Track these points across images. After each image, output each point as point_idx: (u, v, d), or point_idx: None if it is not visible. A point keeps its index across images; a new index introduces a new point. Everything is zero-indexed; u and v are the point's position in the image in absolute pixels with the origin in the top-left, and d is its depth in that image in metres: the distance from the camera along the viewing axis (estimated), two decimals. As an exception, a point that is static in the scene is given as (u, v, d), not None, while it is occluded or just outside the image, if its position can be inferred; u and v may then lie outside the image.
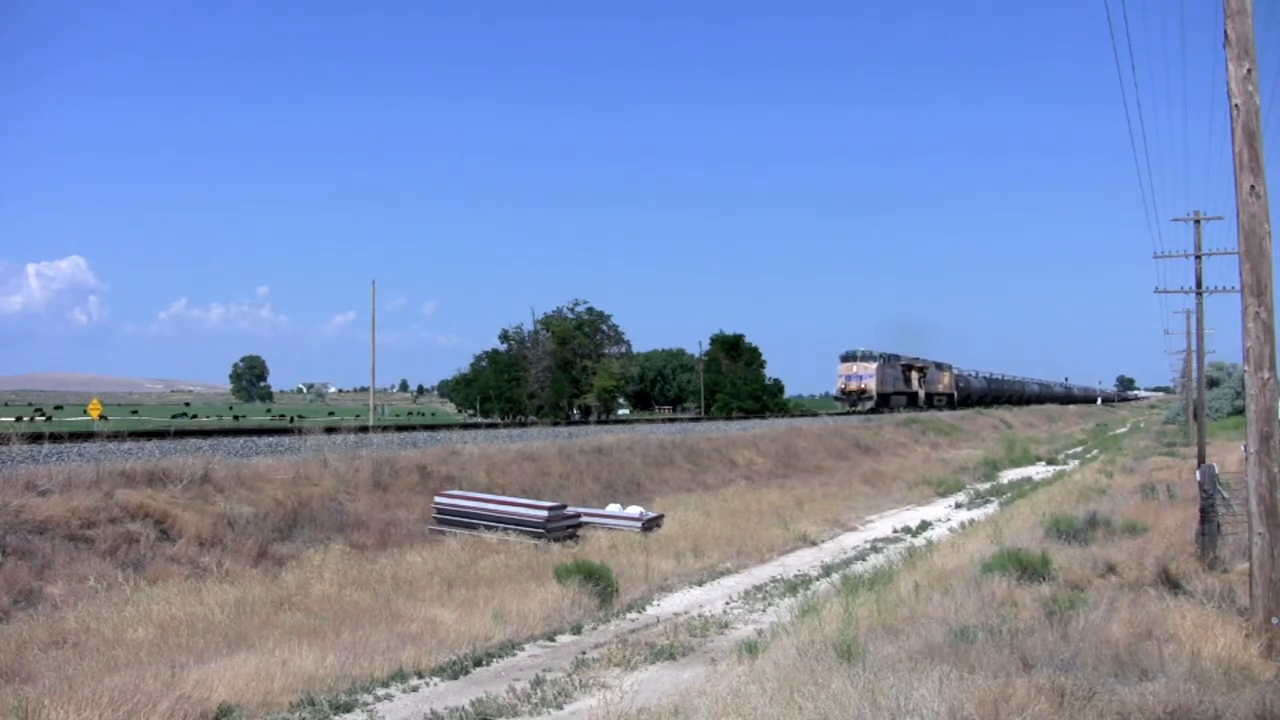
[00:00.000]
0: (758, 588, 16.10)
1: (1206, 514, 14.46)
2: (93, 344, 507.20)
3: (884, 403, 70.45)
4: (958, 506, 28.12)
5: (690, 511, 22.87)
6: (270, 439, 25.31)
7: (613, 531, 19.62)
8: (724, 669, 9.64)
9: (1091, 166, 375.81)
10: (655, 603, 14.87)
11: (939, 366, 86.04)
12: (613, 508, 21.55)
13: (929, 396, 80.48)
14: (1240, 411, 35.44)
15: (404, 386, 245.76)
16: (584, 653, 11.46)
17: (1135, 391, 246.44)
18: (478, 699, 9.54)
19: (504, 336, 68.58)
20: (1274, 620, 9.46)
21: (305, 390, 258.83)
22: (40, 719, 7.95)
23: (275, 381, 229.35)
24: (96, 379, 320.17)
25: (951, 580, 13.30)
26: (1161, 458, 40.49)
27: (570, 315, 65.45)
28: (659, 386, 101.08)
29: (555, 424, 46.16)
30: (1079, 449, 58.67)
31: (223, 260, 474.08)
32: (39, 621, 11.46)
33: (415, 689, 10.03)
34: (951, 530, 22.17)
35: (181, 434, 26.74)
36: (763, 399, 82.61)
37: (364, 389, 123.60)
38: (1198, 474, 15.73)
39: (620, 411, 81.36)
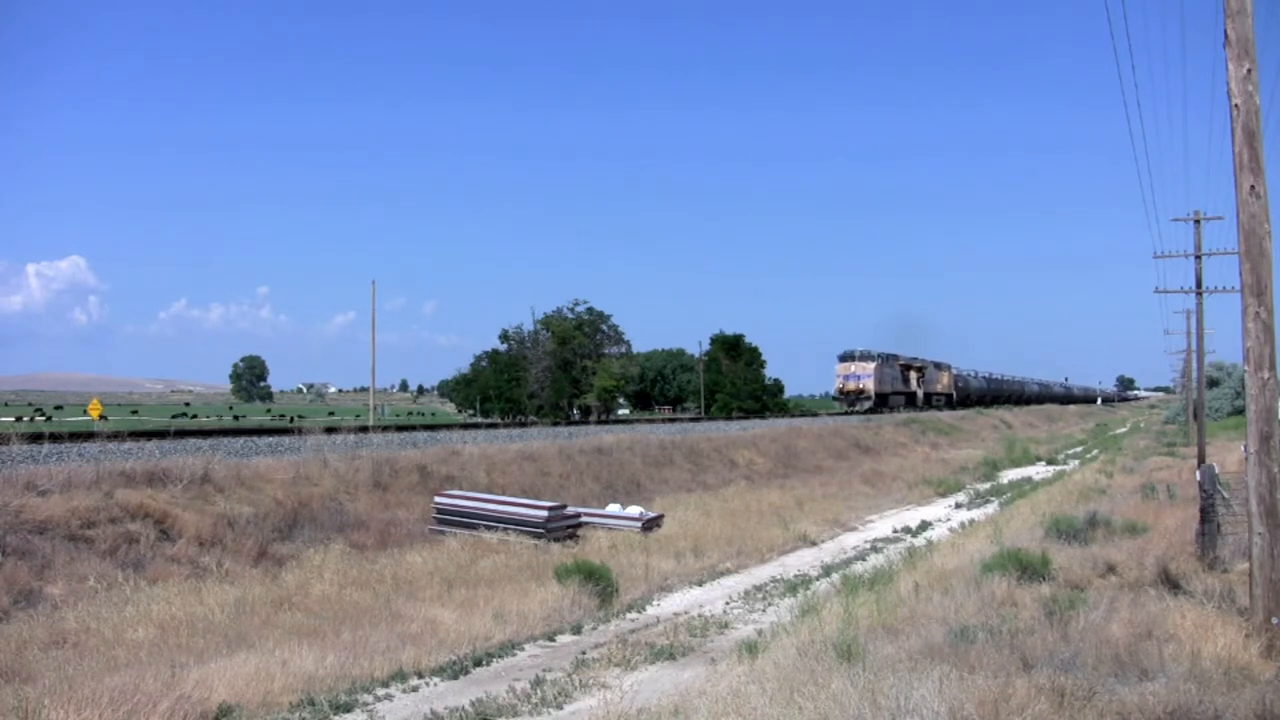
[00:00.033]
0: (758, 588, 16.11)
1: (1206, 514, 14.46)
2: (93, 344, 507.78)
3: (882, 403, 70.36)
4: (958, 506, 28.12)
5: (690, 511, 22.87)
6: (270, 439, 25.31)
7: (613, 531, 19.62)
8: (724, 669, 9.64)
9: (1091, 166, 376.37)
10: (655, 603, 14.87)
11: (938, 366, 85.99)
12: (613, 508, 21.55)
13: (928, 396, 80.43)
14: (1240, 411, 35.46)
15: (404, 386, 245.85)
16: (584, 653, 11.46)
17: (1135, 391, 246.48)
18: (478, 699, 9.54)
19: (504, 336, 68.66)
20: (1274, 620, 9.46)
21: (305, 390, 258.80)
22: (40, 719, 7.95)
23: (275, 381, 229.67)
24: (96, 379, 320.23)
25: (951, 580, 13.30)
26: (1161, 458, 40.50)
27: (570, 315, 65.48)
28: (659, 386, 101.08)
29: (555, 424, 46.16)
30: (1079, 449, 58.67)
31: (223, 260, 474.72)
32: (39, 621, 11.46)
33: (415, 689, 10.03)
34: (951, 530, 22.17)
35: (181, 434, 26.74)
36: (763, 399, 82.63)
37: (364, 389, 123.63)
38: (1198, 474, 15.73)
39: (620, 411, 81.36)
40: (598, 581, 14.54)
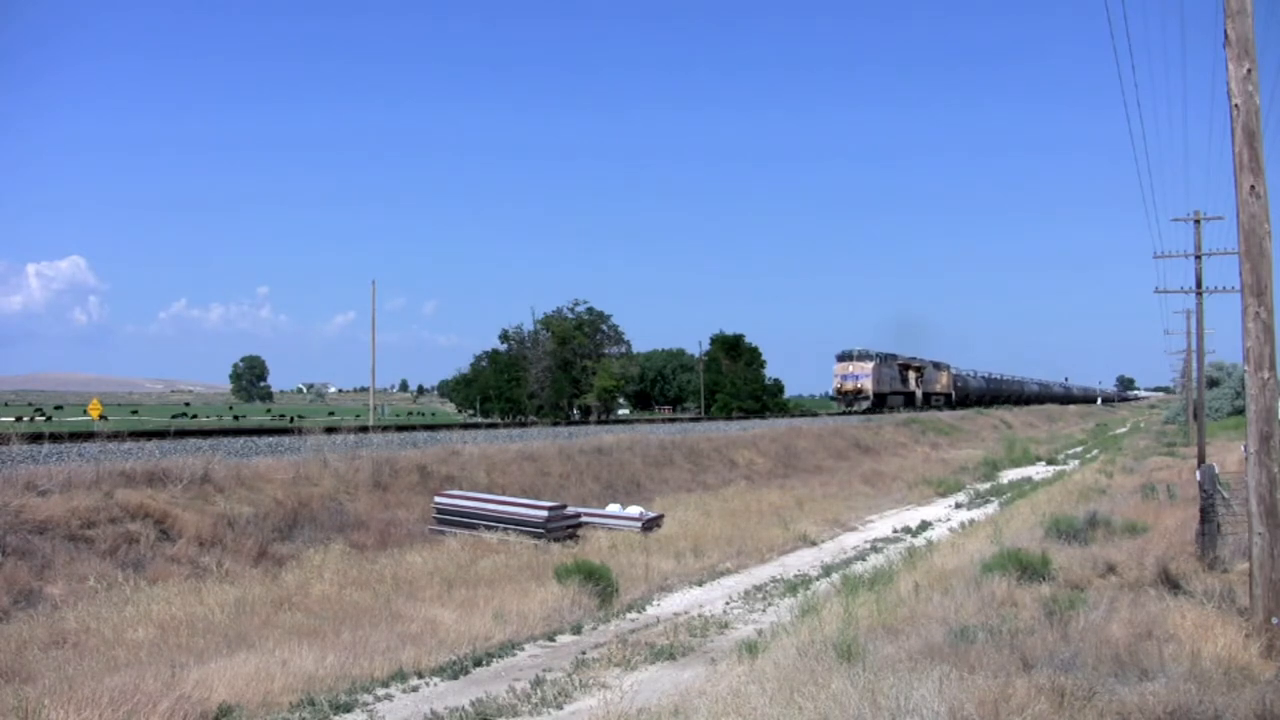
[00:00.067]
0: (758, 588, 16.11)
1: (1206, 514, 14.46)
2: (93, 344, 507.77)
3: (880, 403, 70.27)
4: (958, 506, 28.12)
5: (690, 511, 22.87)
6: (270, 439, 25.31)
7: (613, 531, 19.62)
8: (724, 669, 9.64)
9: (1091, 166, 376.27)
10: (655, 603, 14.87)
11: (936, 366, 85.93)
12: (613, 508, 21.55)
13: (926, 396, 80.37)
14: (1240, 411, 35.46)
15: (404, 386, 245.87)
16: (584, 653, 11.46)
17: (1135, 391, 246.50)
18: (478, 699, 9.54)
19: (504, 336, 68.68)
20: (1274, 620, 9.46)
21: (305, 390, 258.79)
22: (40, 719, 7.95)
23: (275, 381, 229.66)
24: (96, 379, 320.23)
25: (951, 580, 13.30)
26: (1161, 458, 40.50)
27: (570, 315, 65.48)
28: (659, 386, 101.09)
29: (555, 424, 46.16)
30: (1079, 449, 58.68)
31: (223, 260, 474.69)
32: (39, 621, 11.46)
33: (415, 689, 10.03)
34: (951, 530, 22.17)
35: (181, 434, 26.74)
36: (763, 399, 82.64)
37: (364, 389, 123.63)
38: (1198, 474, 15.73)
39: (620, 411, 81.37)
40: (598, 581, 14.54)
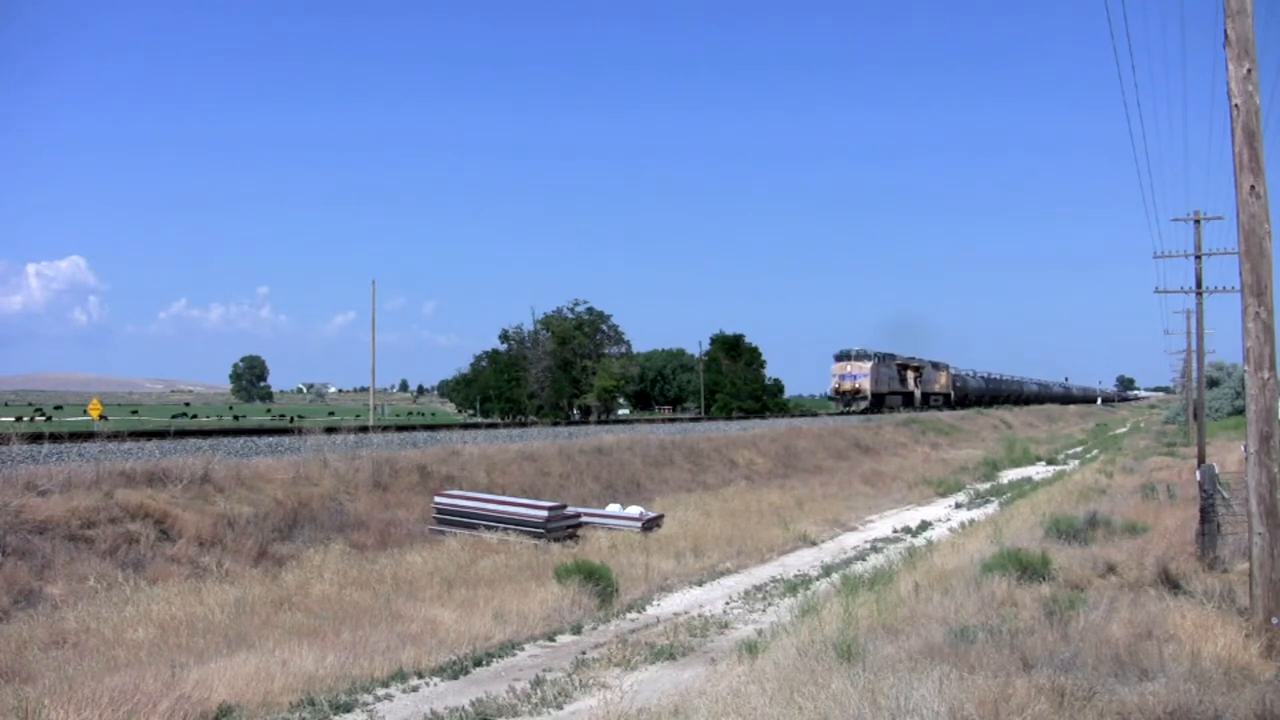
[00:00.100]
0: (758, 588, 16.11)
1: (1206, 514, 14.46)
2: (93, 344, 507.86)
3: (879, 403, 70.18)
4: (958, 506, 28.12)
5: (690, 511, 22.87)
6: (270, 439, 25.31)
7: (613, 531, 19.62)
8: (724, 669, 9.64)
9: (1091, 166, 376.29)
10: (655, 603, 14.87)
11: (935, 366, 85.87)
12: (613, 508, 21.55)
13: (925, 396, 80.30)
14: (1240, 411, 35.46)
15: (404, 386, 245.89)
16: (584, 653, 11.46)
17: (1135, 391, 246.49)
18: (478, 699, 9.54)
19: (504, 336, 68.71)
20: (1274, 620, 9.47)
21: (305, 390, 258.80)
22: (40, 719, 7.95)
23: (275, 381, 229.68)
24: (96, 379, 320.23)
25: (951, 580, 13.30)
26: (1161, 458, 40.51)
27: (570, 315, 65.51)
28: (659, 386, 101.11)
29: (555, 424, 46.17)
30: (1079, 449, 58.68)
31: (223, 260, 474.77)
32: (39, 621, 11.46)
33: (415, 689, 10.03)
34: (951, 530, 22.17)
35: (181, 434, 26.74)
36: (763, 399, 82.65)
37: (364, 389, 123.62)
38: (1198, 474, 15.73)
39: (620, 411, 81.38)
40: (598, 581, 14.53)
